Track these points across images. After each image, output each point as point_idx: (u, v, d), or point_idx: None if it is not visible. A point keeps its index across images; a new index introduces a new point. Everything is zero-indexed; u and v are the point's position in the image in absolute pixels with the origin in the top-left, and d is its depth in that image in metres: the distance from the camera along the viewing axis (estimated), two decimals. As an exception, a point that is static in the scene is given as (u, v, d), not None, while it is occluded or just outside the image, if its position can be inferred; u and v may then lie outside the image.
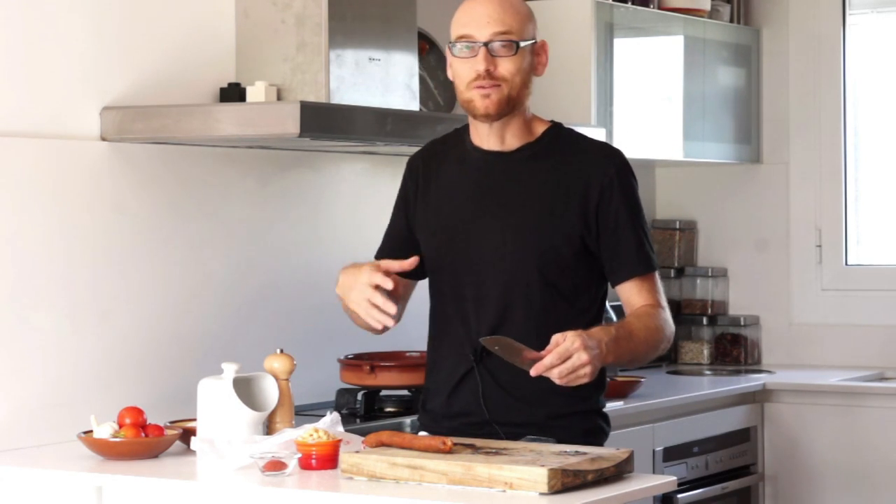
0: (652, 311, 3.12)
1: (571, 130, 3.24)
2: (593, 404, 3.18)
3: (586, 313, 3.14)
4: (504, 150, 3.16)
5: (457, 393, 3.16)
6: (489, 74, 3.07)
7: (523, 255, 3.11)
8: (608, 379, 3.33)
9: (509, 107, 3.10)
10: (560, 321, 3.06)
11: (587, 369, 2.88)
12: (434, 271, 3.24)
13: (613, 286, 3.18)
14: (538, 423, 3.09)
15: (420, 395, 3.34)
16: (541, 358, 2.88)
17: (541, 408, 3.09)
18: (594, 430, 3.17)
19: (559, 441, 3.05)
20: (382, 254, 3.30)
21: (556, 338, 2.89)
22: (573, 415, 3.13)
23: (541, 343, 2.93)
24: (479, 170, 3.18)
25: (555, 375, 2.88)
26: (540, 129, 3.19)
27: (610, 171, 3.12)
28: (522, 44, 3.09)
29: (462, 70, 3.10)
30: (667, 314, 3.16)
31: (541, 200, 3.12)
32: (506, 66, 3.08)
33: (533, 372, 2.88)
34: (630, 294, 3.15)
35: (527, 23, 3.12)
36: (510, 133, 3.15)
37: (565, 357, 2.86)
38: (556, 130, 3.20)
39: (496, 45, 3.07)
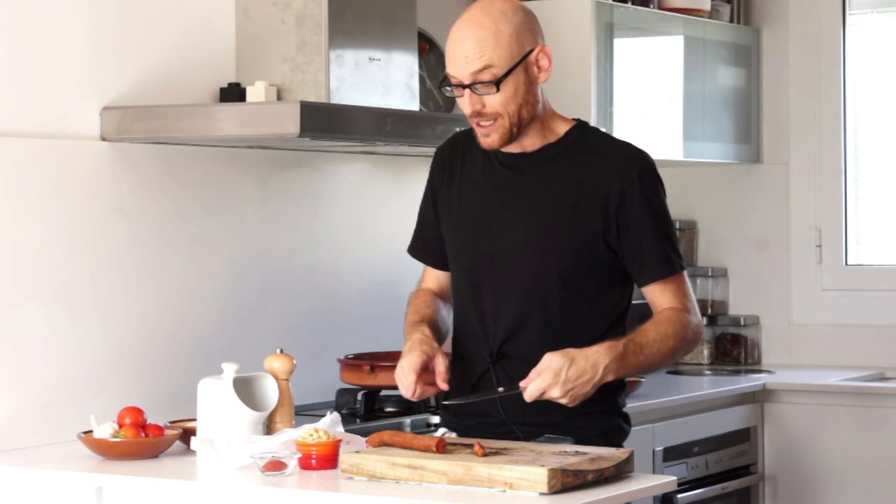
0: (673, 316, 3.08)
1: (597, 130, 3.19)
2: (613, 404, 3.16)
3: (609, 314, 3.12)
4: (526, 152, 3.13)
5: (475, 393, 3.14)
6: (480, 114, 3.02)
7: (543, 256, 3.08)
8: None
9: (513, 133, 3.05)
10: (581, 322, 3.08)
11: (564, 400, 2.92)
12: (454, 266, 3.22)
13: (639, 287, 3.14)
14: (556, 423, 3.06)
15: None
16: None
17: (558, 408, 3.03)
18: (613, 429, 3.16)
19: (577, 441, 3.03)
20: (416, 245, 3.30)
21: (539, 366, 2.93)
22: (592, 415, 3.10)
23: (559, 344, 2.96)
24: (502, 170, 3.14)
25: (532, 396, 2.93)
26: (562, 128, 3.14)
27: (631, 174, 3.06)
28: (506, 76, 2.98)
29: (460, 103, 3.06)
30: (691, 316, 3.10)
31: (562, 202, 3.08)
32: (494, 102, 3.01)
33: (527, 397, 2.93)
34: (655, 296, 3.12)
35: (512, 45, 2.99)
36: (528, 139, 3.10)
37: (541, 391, 2.91)
38: (580, 130, 3.15)
39: (478, 85, 2.99)
